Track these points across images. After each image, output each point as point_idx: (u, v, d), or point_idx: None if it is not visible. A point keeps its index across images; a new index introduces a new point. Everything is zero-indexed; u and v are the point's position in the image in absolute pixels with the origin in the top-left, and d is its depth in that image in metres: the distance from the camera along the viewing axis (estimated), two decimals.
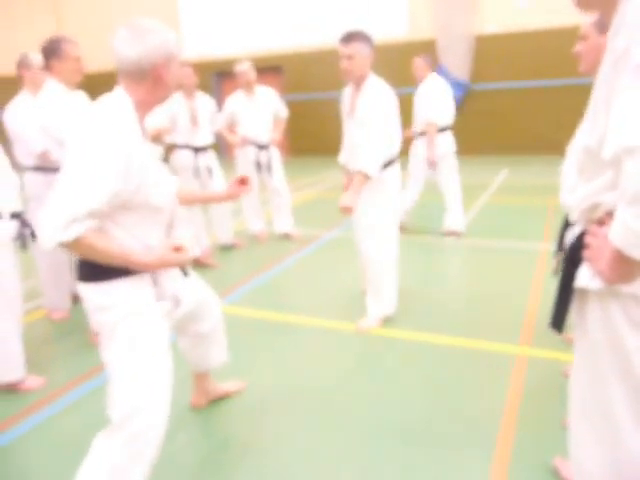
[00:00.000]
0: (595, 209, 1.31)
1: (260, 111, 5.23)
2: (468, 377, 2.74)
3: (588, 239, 1.26)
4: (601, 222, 1.27)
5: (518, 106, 10.41)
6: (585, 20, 2.02)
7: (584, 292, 1.37)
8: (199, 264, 4.70)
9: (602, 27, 1.95)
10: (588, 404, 1.40)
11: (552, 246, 4.25)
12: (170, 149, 4.77)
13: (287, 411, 2.53)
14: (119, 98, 1.67)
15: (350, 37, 2.99)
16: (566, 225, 2.23)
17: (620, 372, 1.29)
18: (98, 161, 1.55)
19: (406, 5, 10.90)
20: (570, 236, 1.54)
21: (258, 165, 5.26)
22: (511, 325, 3.27)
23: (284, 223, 5.50)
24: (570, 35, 10.10)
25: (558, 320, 1.45)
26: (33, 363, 3.00)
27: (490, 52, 10.41)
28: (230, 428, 2.44)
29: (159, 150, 4.25)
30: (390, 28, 11.00)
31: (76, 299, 3.74)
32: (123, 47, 1.64)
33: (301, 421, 2.44)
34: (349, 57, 2.99)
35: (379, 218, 3.22)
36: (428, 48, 10.77)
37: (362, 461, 2.15)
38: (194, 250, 1.82)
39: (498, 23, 10.33)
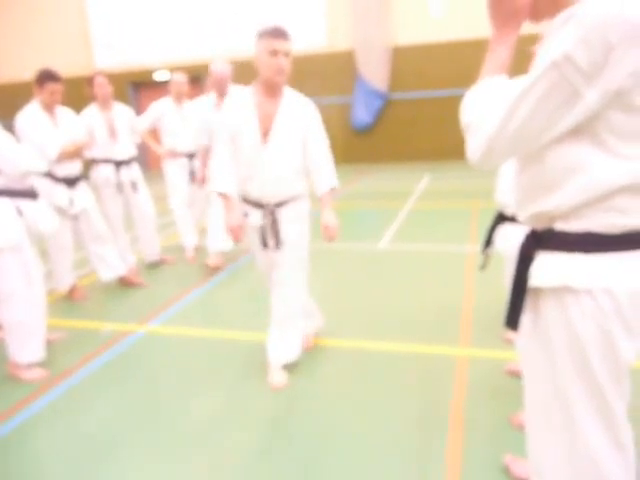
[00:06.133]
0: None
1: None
2: (412, 382, 2.75)
3: None
4: None
5: (435, 114, 10.79)
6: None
7: (537, 290, 1.38)
8: (126, 283, 4.46)
9: None
10: (545, 403, 1.41)
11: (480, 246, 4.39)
12: (90, 164, 4.50)
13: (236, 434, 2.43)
14: None
15: (287, 32, 2.50)
16: (496, 223, 2.31)
17: (578, 368, 1.30)
18: None
19: (324, 16, 11.05)
20: (509, 234, 1.57)
21: (192, 175, 5.05)
22: (448, 327, 3.32)
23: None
24: (481, 46, 10.64)
25: (513, 319, 1.46)
26: None
27: (407, 62, 10.75)
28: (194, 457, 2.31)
29: (78, 166, 3.98)
30: (309, 39, 11.10)
31: None
32: None
33: (249, 439, 2.35)
34: (288, 54, 2.50)
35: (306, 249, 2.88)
36: (347, 59, 10.97)
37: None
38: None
39: (413, 34, 10.69)
